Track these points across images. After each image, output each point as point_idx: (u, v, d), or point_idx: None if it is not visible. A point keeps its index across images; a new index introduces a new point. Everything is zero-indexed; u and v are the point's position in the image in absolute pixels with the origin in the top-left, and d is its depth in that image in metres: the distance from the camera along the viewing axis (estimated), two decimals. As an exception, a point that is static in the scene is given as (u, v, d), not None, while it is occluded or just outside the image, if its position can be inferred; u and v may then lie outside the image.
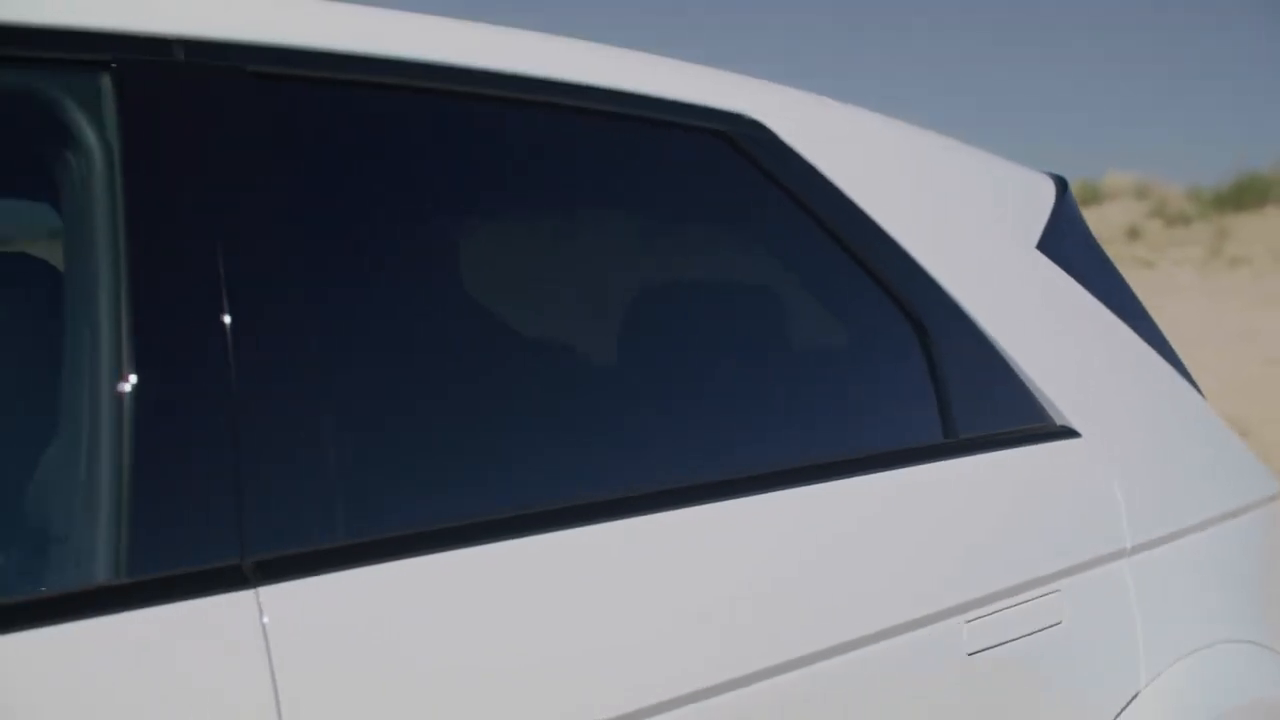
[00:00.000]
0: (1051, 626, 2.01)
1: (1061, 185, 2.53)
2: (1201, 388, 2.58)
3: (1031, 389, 2.16)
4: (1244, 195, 21.77)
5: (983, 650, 1.91)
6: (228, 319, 1.42)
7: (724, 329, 1.96)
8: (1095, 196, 23.06)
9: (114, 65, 1.45)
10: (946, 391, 2.05)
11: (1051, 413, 2.17)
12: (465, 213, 1.80)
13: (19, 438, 1.45)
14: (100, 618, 1.29)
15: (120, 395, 1.36)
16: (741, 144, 1.97)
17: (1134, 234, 21.42)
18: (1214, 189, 22.25)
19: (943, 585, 1.89)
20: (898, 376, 2.05)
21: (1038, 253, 2.33)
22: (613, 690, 1.54)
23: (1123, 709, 2.08)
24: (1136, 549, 2.17)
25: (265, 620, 1.35)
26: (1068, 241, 2.42)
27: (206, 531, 1.36)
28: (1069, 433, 2.17)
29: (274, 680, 1.33)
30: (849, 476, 1.88)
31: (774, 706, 1.69)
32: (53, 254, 1.61)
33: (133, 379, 1.36)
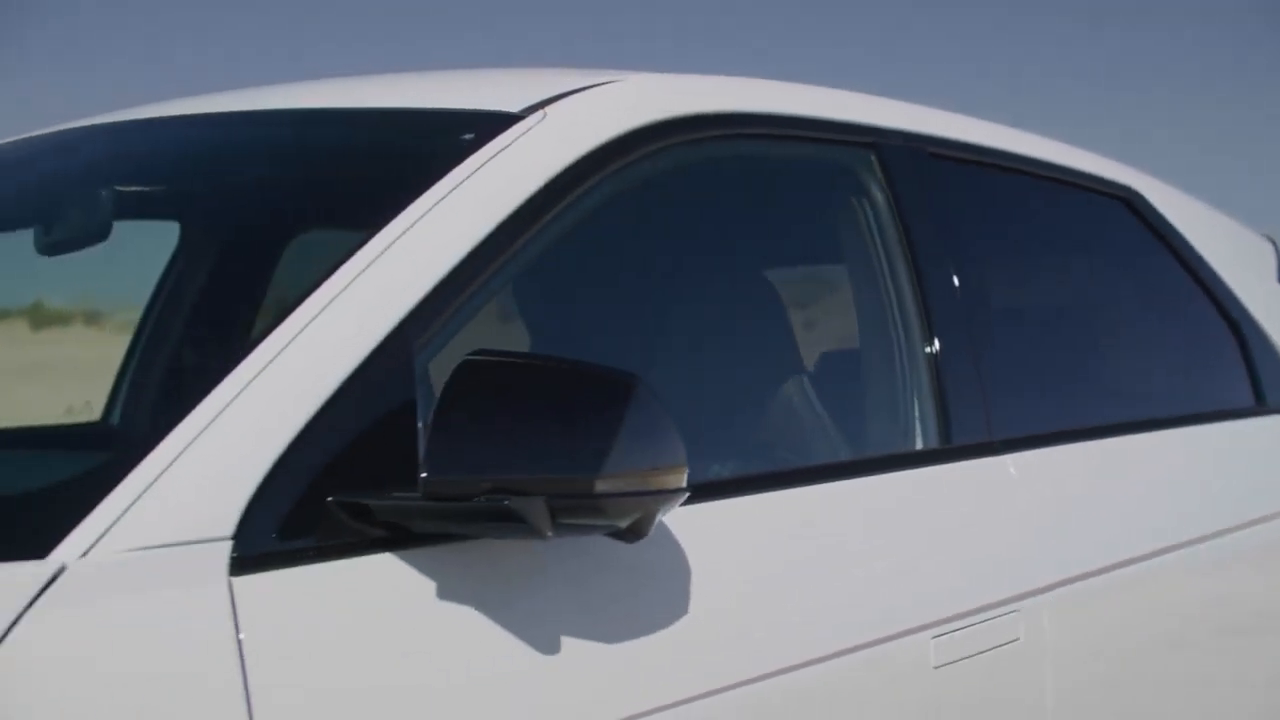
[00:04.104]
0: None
1: (1272, 241, 3.58)
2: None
3: (1296, 376, 3.19)
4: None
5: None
6: (959, 292, 2.38)
7: (1127, 325, 2.98)
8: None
9: (875, 145, 2.41)
10: (1256, 375, 3.07)
11: (1306, 393, 3.20)
12: (1005, 235, 2.79)
13: (867, 373, 2.39)
14: (926, 468, 2.25)
15: (925, 348, 2.31)
16: (1134, 205, 2.99)
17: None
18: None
19: (1274, 493, 2.90)
20: (1227, 364, 3.06)
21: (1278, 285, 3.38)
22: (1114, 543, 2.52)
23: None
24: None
25: (1012, 471, 2.31)
26: (1286, 279, 3.47)
27: (973, 422, 2.31)
28: (1317, 407, 3.20)
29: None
30: (1209, 423, 2.90)
31: (1179, 571, 2.66)
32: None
33: (934, 336, 2.31)
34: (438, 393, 1.61)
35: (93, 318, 3.41)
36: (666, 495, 1.62)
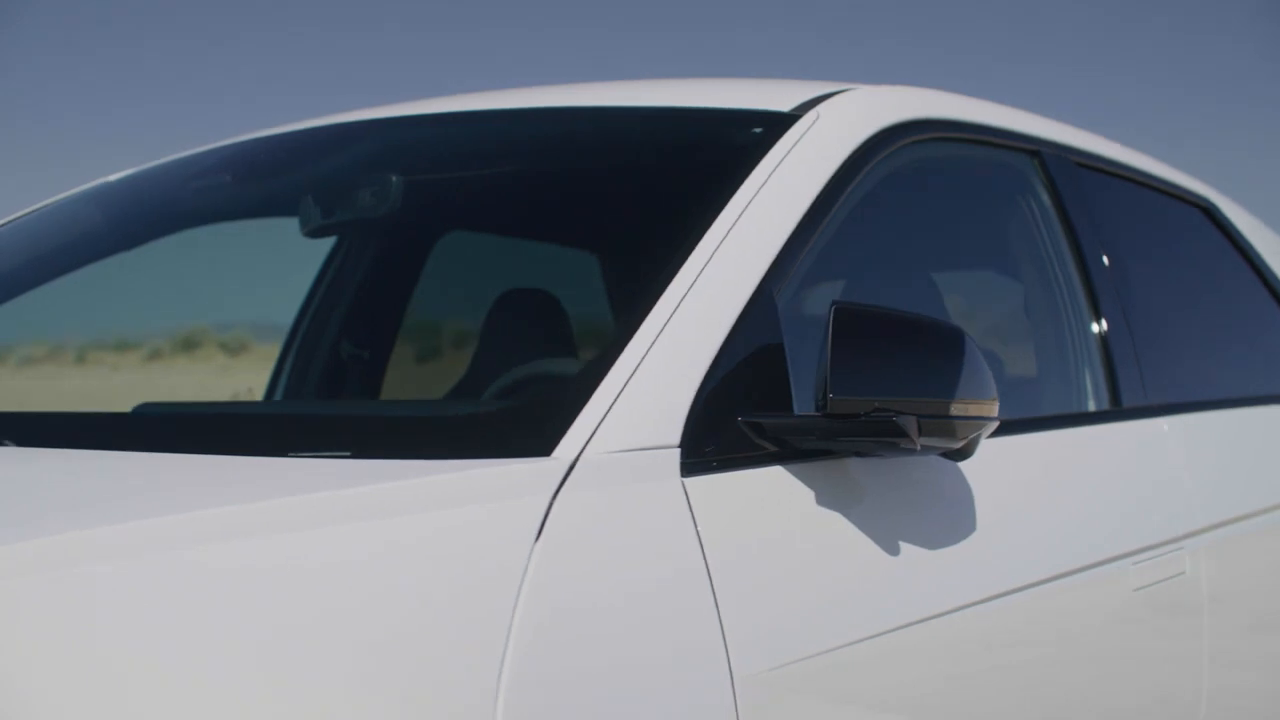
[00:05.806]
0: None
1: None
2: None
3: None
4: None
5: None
6: (1113, 278, 2.76)
7: (1213, 315, 3.39)
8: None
9: (1036, 153, 2.79)
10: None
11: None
12: (1127, 232, 3.17)
13: (1045, 344, 2.75)
14: (1099, 425, 2.62)
15: (1094, 325, 2.68)
16: (1212, 214, 3.41)
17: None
18: None
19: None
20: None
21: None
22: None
23: None
24: None
25: (1165, 429, 2.69)
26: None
27: (1135, 388, 2.69)
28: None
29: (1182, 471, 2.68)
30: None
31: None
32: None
33: (1101, 316, 2.68)
34: (790, 333, 1.95)
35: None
36: (990, 421, 1.96)
